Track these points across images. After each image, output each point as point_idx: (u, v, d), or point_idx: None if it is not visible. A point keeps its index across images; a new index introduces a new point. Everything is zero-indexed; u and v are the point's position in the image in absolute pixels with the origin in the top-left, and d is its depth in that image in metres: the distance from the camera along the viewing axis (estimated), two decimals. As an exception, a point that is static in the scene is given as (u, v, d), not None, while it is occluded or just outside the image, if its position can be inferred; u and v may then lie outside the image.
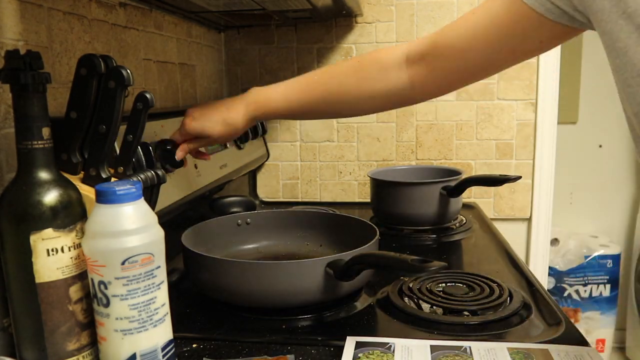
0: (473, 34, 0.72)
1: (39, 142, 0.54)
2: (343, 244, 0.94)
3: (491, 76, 0.94)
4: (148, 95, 0.63)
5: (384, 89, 0.80)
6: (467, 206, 1.42)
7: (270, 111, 0.86)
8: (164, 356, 0.56)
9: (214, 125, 0.85)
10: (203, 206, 1.14)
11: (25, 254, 0.53)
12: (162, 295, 0.56)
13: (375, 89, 0.81)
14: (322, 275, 0.72)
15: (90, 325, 0.57)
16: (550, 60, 1.44)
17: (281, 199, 1.59)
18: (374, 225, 0.86)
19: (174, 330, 0.59)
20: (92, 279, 0.54)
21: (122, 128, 0.64)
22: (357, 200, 1.57)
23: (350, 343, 0.66)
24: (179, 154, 0.85)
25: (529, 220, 1.53)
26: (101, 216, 0.52)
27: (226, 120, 0.85)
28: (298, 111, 0.86)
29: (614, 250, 2.22)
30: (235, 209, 1.18)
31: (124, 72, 0.60)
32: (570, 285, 2.21)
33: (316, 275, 0.72)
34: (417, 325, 0.72)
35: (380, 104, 0.84)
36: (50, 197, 0.54)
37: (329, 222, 0.98)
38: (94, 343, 0.57)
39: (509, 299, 0.78)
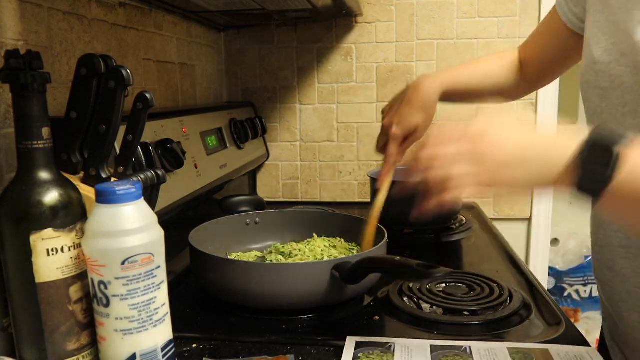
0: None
1: (39, 142, 0.54)
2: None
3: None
4: (148, 95, 0.63)
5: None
6: (467, 206, 1.42)
7: (450, 83, 0.89)
8: (164, 356, 0.56)
9: (416, 116, 0.86)
10: (203, 206, 1.14)
11: (25, 254, 0.53)
12: (162, 295, 0.56)
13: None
14: (328, 277, 0.72)
15: (90, 325, 0.57)
16: (550, 60, 1.44)
17: (281, 199, 1.59)
18: (382, 228, 0.86)
19: (174, 330, 0.59)
20: (92, 279, 0.54)
21: (122, 128, 0.64)
22: (357, 200, 1.57)
23: (350, 343, 0.66)
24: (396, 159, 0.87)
25: (529, 220, 1.53)
26: (101, 216, 0.52)
27: (423, 105, 0.86)
28: (464, 89, 0.91)
29: (614, 250, 2.22)
30: (244, 208, 1.18)
31: (124, 72, 0.60)
32: (570, 285, 2.21)
33: (322, 278, 0.72)
34: (417, 325, 0.72)
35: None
36: (50, 197, 0.54)
37: (338, 223, 0.98)
38: (94, 343, 0.57)
39: (509, 299, 0.78)
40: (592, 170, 0.47)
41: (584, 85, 0.70)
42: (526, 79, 0.93)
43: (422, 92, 0.86)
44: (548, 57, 0.88)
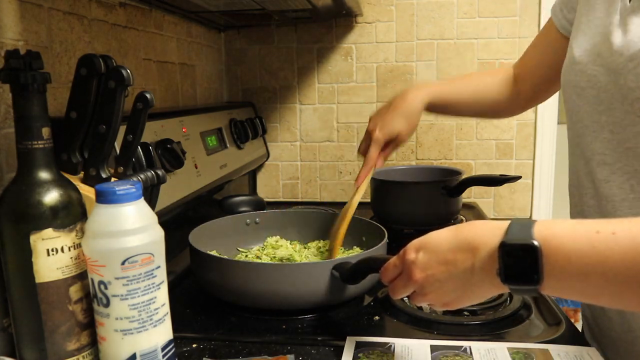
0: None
1: (39, 142, 0.54)
2: (353, 245, 0.94)
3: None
4: (148, 95, 0.63)
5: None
6: (467, 206, 1.42)
7: (437, 94, 0.92)
8: (164, 356, 0.56)
9: (398, 123, 0.89)
10: (203, 206, 1.14)
11: (25, 254, 0.53)
12: (162, 295, 0.56)
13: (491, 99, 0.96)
14: (328, 277, 0.72)
15: (90, 325, 0.57)
16: (550, 60, 1.44)
17: (281, 199, 1.59)
18: (383, 228, 0.86)
19: (174, 330, 0.59)
20: (92, 279, 0.54)
21: (122, 128, 0.64)
22: (357, 200, 1.56)
23: (350, 343, 0.66)
24: (377, 163, 0.90)
25: (529, 220, 1.53)
26: (101, 216, 0.52)
27: (406, 113, 0.90)
28: (453, 101, 0.94)
29: (614, 250, 2.22)
30: (244, 208, 1.18)
31: (124, 72, 0.60)
32: (570, 285, 2.21)
33: (322, 278, 0.72)
34: (417, 325, 0.72)
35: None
36: (50, 197, 0.54)
37: None
38: (94, 343, 0.57)
39: (509, 299, 0.78)
40: (519, 283, 0.46)
41: (565, 85, 0.71)
42: (521, 95, 0.93)
43: (407, 101, 0.90)
44: (543, 70, 0.87)
